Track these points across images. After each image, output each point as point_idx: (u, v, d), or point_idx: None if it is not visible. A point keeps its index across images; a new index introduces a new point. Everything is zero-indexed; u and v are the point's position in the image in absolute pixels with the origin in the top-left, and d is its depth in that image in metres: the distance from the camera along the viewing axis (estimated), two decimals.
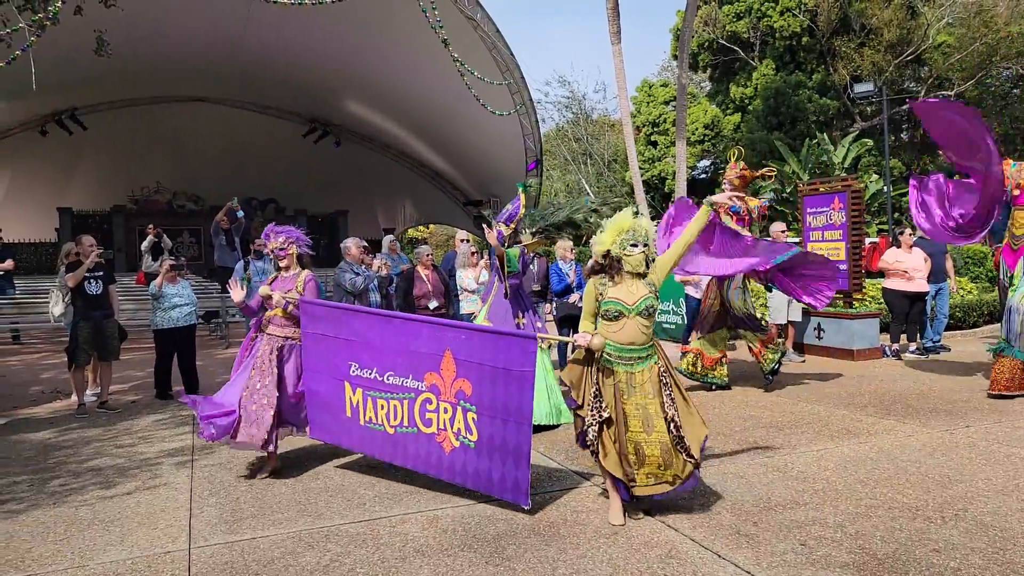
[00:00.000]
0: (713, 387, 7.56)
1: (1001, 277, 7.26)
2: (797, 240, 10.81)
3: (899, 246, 9.62)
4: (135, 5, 8.57)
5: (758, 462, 5.02)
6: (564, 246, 8.56)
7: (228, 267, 11.88)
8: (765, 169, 7.69)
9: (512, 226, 6.02)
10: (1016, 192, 6.88)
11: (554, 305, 8.73)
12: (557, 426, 6.05)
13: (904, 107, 25.63)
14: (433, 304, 8.08)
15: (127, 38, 8.65)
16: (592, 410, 3.92)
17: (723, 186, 7.76)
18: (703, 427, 4.00)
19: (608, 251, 3.95)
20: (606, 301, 3.94)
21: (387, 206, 27.41)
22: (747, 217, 7.54)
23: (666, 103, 29.33)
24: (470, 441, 4.22)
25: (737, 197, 4.96)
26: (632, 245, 3.90)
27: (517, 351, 4.10)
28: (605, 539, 3.78)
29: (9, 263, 11.83)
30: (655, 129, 29.34)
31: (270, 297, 5.09)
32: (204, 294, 14.29)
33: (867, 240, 12.97)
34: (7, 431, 6.60)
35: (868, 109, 26.84)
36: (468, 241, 9.04)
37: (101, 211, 22.70)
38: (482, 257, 8.79)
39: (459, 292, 8.50)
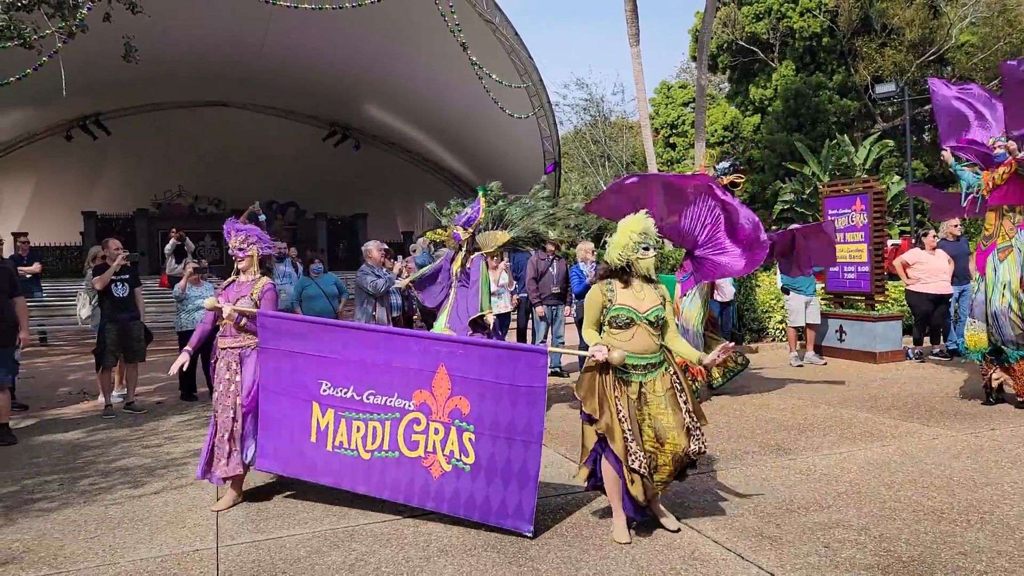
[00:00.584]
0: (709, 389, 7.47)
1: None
2: None
3: (922, 247, 9.53)
4: (158, 10, 8.71)
5: (780, 464, 5.01)
6: (585, 248, 8.59)
7: None
8: (734, 175, 7.28)
9: (470, 230, 5.90)
10: (985, 194, 6.69)
11: (574, 308, 8.75)
12: None
13: (926, 107, 25.37)
14: None
15: (150, 43, 8.79)
16: (613, 419, 3.69)
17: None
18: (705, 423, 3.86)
19: (619, 254, 3.78)
20: (615, 308, 3.76)
21: (406, 209, 27.56)
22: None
23: (684, 105, 29.26)
24: (465, 464, 3.93)
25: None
26: (644, 248, 3.76)
27: (525, 365, 3.89)
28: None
29: (36, 266, 12.05)
30: (673, 131, 29.28)
31: (220, 310, 4.52)
32: None
33: (889, 242, 12.86)
34: (36, 431, 6.71)
35: (890, 110, 26.60)
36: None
37: (124, 215, 23.03)
38: (502, 259, 8.83)
39: None
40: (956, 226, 9.65)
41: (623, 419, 3.69)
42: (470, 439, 3.92)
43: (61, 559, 3.73)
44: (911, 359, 9.35)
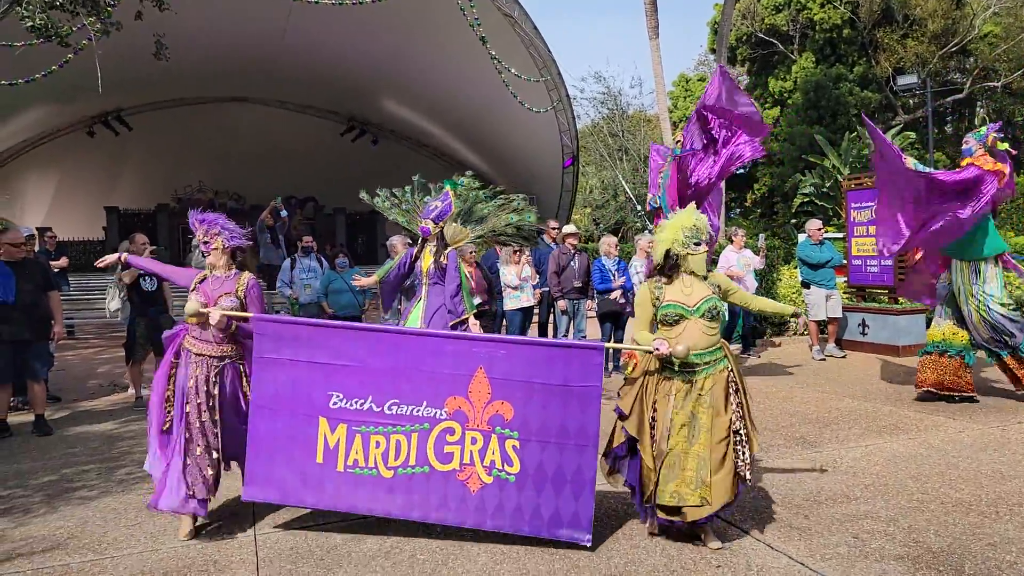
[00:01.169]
0: None
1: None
2: (840, 236, 10.71)
3: None
4: (181, 6, 8.79)
5: (807, 457, 5.04)
6: (609, 242, 8.62)
7: (274, 264, 12.14)
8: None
9: (440, 225, 5.58)
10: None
11: (596, 302, 8.79)
12: None
13: (948, 99, 25.14)
14: (476, 300, 8.19)
15: (173, 40, 8.88)
16: (645, 423, 3.61)
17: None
18: (756, 445, 3.70)
19: (668, 250, 3.65)
20: (664, 305, 3.63)
21: None
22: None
23: None
24: (509, 474, 3.67)
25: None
26: (695, 243, 3.62)
27: (578, 364, 3.68)
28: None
29: (63, 261, 12.19)
30: None
31: (202, 315, 3.91)
32: None
33: None
34: (70, 422, 6.85)
35: (911, 101, 26.35)
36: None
37: (146, 210, 23.25)
38: (523, 253, 8.88)
39: (502, 288, 8.60)
40: None
41: (654, 423, 3.59)
42: (514, 447, 3.68)
43: (105, 545, 3.84)
44: None
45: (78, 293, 15.38)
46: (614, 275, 8.43)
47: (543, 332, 9.77)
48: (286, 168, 23.35)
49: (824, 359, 9.23)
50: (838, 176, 19.39)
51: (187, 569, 3.53)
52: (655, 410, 3.62)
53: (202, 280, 4.07)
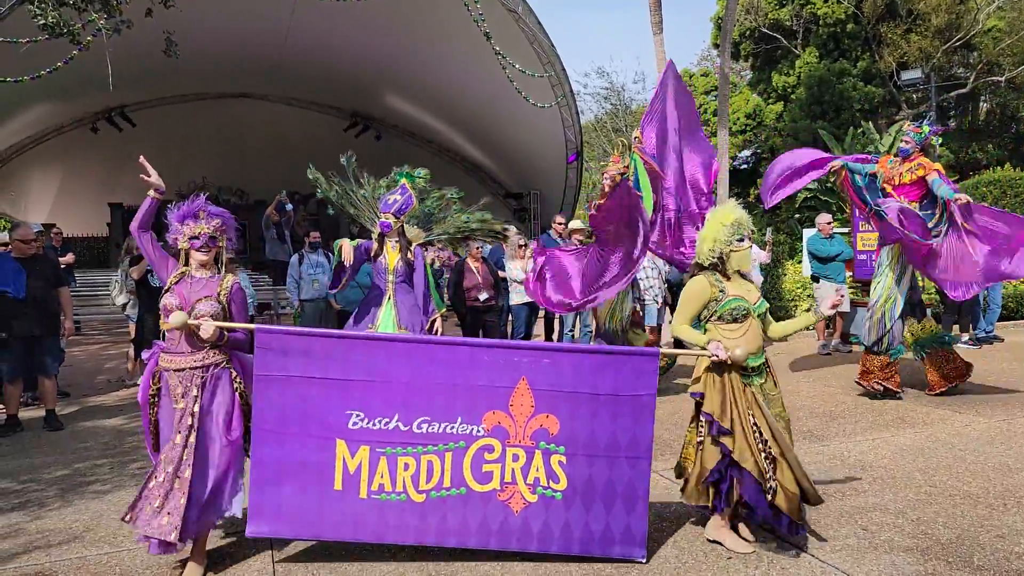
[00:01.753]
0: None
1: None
2: (846, 231, 10.73)
3: None
4: (185, 2, 8.81)
5: (814, 450, 5.07)
6: None
7: (280, 260, 12.17)
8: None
9: (401, 220, 5.41)
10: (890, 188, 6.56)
11: None
12: None
13: (952, 94, 25.09)
14: (483, 296, 8.23)
15: (177, 36, 8.91)
16: (747, 435, 3.39)
17: (603, 180, 6.80)
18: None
19: (711, 248, 3.51)
20: (729, 300, 3.48)
21: None
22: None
23: (706, 93, 29.06)
24: (555, 492, 3.44)
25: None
26: (739, 239, 3.50)
27: (631, 371, 3.45)
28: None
29: (70, 257, 12.25)
30: None
31: (188, 327, 3.37)
32: (255, 286, 14.64)
33: None
34: (81, 417, 6.90)
35: (915, 96, 26.30)
36: (519, 233, 9.16)
37: None
38: (529, 248, 8.90)
39: (509, 283, 8.63)
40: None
41: (755, 429, 3.41)
42: (560, 462, 3.44)
43: (121, 538, 3.88)
44: None
45: (84, 289, 15.45)
46: None
47: (549, 327, 9.81)
48: (289, 164, 23.22)
49: (829, 353, 9.26)
50: None
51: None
52: (752, 417, 3.43)
53: (178, 280, 3.51)
